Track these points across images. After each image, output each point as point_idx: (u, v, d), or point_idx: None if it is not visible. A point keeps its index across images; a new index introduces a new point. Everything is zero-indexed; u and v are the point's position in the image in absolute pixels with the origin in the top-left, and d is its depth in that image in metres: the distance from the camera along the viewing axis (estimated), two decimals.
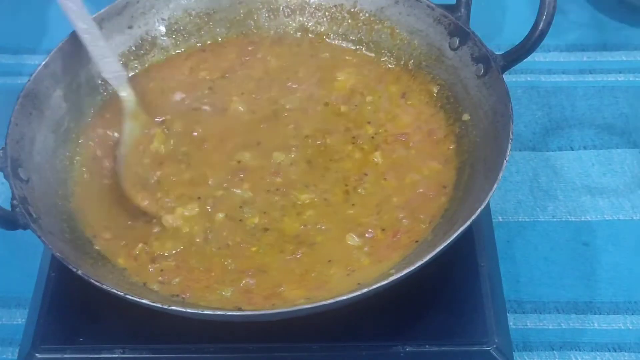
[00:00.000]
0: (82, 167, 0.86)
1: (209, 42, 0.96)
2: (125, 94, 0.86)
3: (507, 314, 0.82)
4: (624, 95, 1.06)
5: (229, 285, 0.76)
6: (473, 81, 0.86)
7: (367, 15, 0.95)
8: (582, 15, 1.16)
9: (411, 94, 0.91)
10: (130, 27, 0.93)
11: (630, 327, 0.85)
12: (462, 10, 0.89)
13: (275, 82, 0.93)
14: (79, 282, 0.71)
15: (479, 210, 0.72)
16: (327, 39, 0.96)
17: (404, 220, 0.80)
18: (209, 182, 0.84)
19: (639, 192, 0.96)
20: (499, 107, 0.82)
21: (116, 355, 0.76)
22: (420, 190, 0.82)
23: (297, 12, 0.97)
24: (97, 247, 0.79)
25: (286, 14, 0.98)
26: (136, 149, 0.85)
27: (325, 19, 0.97)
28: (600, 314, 0.86)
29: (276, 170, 0.84)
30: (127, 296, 0.69)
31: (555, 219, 0.94)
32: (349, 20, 0.96)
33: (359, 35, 0.96)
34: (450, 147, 0.85)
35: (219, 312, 0.71)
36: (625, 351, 0.84)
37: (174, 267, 0.78)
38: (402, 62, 0.93)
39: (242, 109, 0.90)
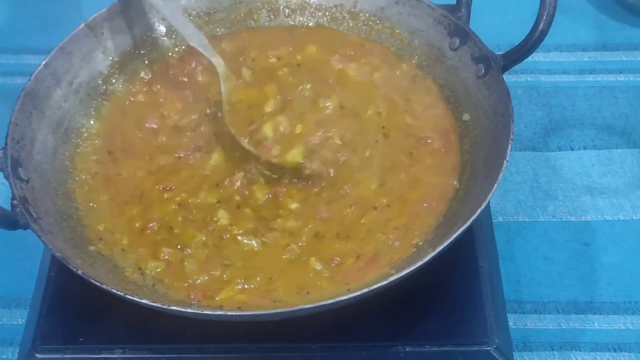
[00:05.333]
0: (82, 167, 0.86)
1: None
2: (215, 59, 0.87)
3: (507, 314, 0.82)
4: (624, 95, 1.06)
5: (155, 259, 0.78)
6: (473, 81, 0.86)
7: (367, 15, 0.95)
8: (582, 15, 1.16)
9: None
10: (130, 27, 0.93)
11: (631, 327, 0.85)
12: (463, 10, 0.89)
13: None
14: (79, 282, 0.71)
15: (479, 210, 0.72)
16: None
17: (395, 243, 0.78)
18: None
19: (639, 192, 0.96)
20: (499, 107, 0.82)
21: (116, 356, 0.76)
22: (425, 204, 0.80)
23: (297, 12, 0.97)
24: (97, 247, 0.79)
25: (286, 14, 0.98)
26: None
27: (325, 19, 0.97)
28: (600, 314, 0.86)
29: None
30: (127, 296, 0.69)
31: (555, 219, 0.94)
32: (349, 21, 0.96)
33: (359, 35, 0.96)
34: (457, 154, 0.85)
35: (219, 312, 0.71)
36: (626, 351, 0.84)
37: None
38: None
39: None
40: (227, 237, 0.79)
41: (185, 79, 0.93)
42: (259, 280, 0.76)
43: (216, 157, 0.85)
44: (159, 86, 0.93)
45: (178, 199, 0.82)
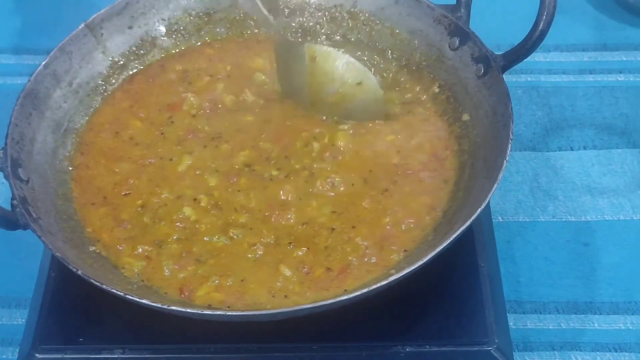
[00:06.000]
0: (81, 167, 0.85)
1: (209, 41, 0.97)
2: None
3: (507, 314, 0.82)
4: (624, 95, 1.06)
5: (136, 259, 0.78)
6: (473, 81, 0.86)
7: (367, 15, 0.95)
8: (582, 15, 1.16)
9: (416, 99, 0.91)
10: (130, 27, 0.93)
11: (631, 327, 0.85)
12: (462, 10, 0.89)
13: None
14: (79, 282, 0.71)
15: (479, 210, 0.72)
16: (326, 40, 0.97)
17: (372, 259, 0.77)
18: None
19: (639, 192, 0.96)
20: (499, 107, 0.82)
21: (116, 356, 0.76)
22: (402, 226, 0.80)
23: (297, 13, 0.97)
24: (96, 247, 0.79)
25: (286, 14, 0.97)
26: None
27: (325, 20, 0.97)
28: (600, 314, 0.86)
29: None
30: (127, 296, 0.69)
31: (555, 219, 0.94)
32: (349, 21, 0.96)
33: (358, 36, 0.96)
34: (451, 163, 0.84)
35: (218, 312, 0.71)
36: (626, 351, 0.84)
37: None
38: (403, 63, 0.93)
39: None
40: (195, 233, 0.80)
41: (176, 81, 0.94)
42: (231, 280, 0.76)
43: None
44: (151, 87, 0.93)
45: (140, 201, 0.82)
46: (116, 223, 0.81)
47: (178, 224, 0.80)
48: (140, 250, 0.78)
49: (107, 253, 0.79)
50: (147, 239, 0.79)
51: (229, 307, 0.74)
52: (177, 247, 0.79)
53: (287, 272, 0.76)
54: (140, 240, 0.79)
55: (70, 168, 0.85)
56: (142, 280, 0.77)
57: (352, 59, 0.87)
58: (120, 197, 0.83)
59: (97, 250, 0.79)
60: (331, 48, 0.88)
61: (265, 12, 0.89)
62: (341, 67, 0.86)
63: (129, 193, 0.83)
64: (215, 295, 0.75)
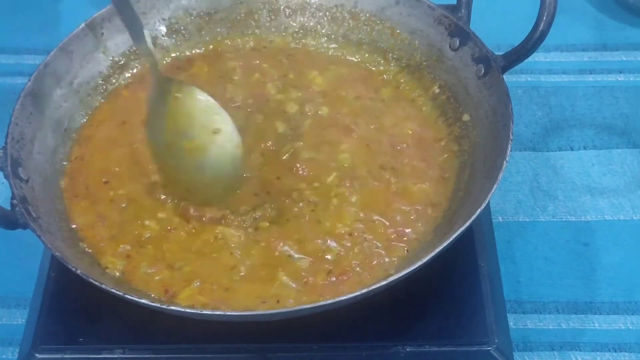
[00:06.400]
0: (76, 161, 0.86)
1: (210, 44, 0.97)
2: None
3: (507, 314, 0.82)
4: (624, 95, 1.06)
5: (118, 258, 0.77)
6: (473, 82, 0.86)
7: (367, 15, 0.95)
8: (582, 15, 1.16)
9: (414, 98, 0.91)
10: None
11: (631, 327, 0.85)
12: (463, 10, 0.89)
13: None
14: (79, 282, 0.71)
15: (479, 210, 0.72)
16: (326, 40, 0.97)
17: (384, 259, 0.77)
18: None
19: (639, 192, 0.96)
20: (499, 108, 0.82)
21: (116, 356, 0.76)
22: (403, 217, 0.80)
23: (298, 12, 0.97)
24: (86, 246, 0.79)
25: (287, 14, 0.98)
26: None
27: (325, 19, 0.97)
28: (600, 314, 0.86)
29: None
30: (127, 296, 0.69)
31: (555, 219, 0.94)
32: (350, 21, 0.96)
33: (359, 36, 0.96)
34: (448, 155, 0.85)
35: (218, 312, 0.71)
36: (626, 351, 0.84)
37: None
38: (403, 63, 0.93)
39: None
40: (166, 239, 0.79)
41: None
42: (215, 287, 0.75)
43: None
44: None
45: (112, 193, 0.82)
46: (98, 219, 0.80)
47: (147, 221, 0.80)
48: (122, 248, 0.78)
49: (93, 251, 0.78)
50: (127, 238, 0.79)
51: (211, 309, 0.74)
52: (151, 247, 0.78)
53: (285, 279, 0.76)
54: (121, 239, 0.78)
55: (65, 163, 0.85)
56: (125, 282, 0.76)
57: (215, 102, 0.78)
58: (101, 186, 0.82)
59: (88, 249, 0.79)
60: (197, 88, 0.78)
61: (150, 44, 0.81)
62: (200, 108, 0.78)
63: (108, 181, 0.83)
64: (199, 298, 0.75)
